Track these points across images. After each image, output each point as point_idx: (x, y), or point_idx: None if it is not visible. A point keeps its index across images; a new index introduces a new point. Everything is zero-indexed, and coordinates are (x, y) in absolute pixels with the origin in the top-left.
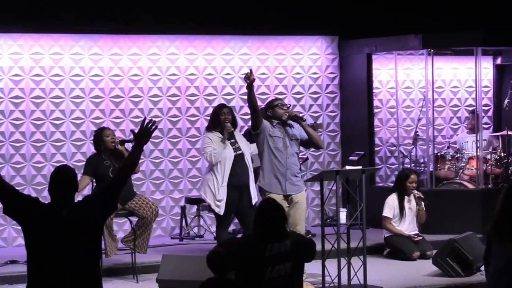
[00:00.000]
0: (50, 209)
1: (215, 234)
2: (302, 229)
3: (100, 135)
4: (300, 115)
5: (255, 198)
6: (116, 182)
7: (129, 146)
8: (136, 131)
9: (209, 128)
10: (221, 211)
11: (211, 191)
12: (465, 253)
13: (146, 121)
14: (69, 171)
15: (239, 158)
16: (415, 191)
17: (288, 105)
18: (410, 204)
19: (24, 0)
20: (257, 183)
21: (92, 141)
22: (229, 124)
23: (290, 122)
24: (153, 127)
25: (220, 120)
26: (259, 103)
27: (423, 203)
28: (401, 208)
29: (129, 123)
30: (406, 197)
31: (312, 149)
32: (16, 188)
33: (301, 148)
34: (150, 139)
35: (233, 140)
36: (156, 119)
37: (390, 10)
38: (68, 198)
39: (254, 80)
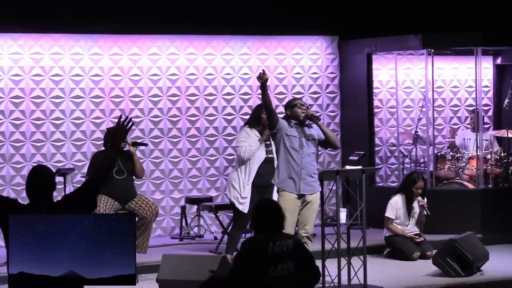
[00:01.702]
0: (30, 210)
1: (215, 234)
2: (310, 229)
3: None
4: (317, 114)
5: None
6: (94, 181)
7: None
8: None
9: (249, 123)
10: (245, 208)
11: (235, 189)
12: (465, 253)
13: (122, 118)
14: (46, 171)
15: (268, 161)
16: (420, 198)
17: (308, 105)
18: (414, 208)
19: (24, 0)
20: (272, 181)
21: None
22: None
23: (308, 122)
24: (129, 125)
25: (261, 118)
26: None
27: (424, 212)
28: (406, 210)
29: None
30: (410, 199)
31: (329, 149)
32: None
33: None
34: (150, 139)
35: (268, 143)
36: (156, 119)
37: (390, 10)
38: (47, 198)
39: (267, 79)
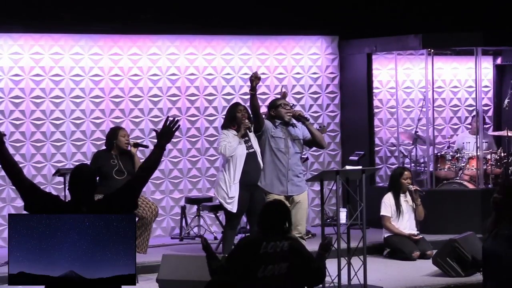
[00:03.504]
0: (70, 207)
1: (215, 234)
2: (303, 229)
3: (115, 133)
4: (304, 114)
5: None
6: (136, 181)
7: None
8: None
9: (224, 126)
10: (233, 208)
11: (222, 189)
12: (465, 253)
13: (169, 120)
14: (87, 170)
15: (251, 156)
16: (411, 186)
17: (291, 105)
18: (407, 201)
19: (24, 0)
20: (258, 183)
21: (92, 141)
22: (247, 120)
23: (294, 121)
24: (176, 127)
25: (236, 117)
26: (260, 103)
27: (419, 198)
28: (398, 206)
29: (129, 123)
30: (402, 194)
31: (313, 149)
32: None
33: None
34: (150, 139)
35: (246, 138)
36: (156, 119)
37: (390, 10)
38: (88, 196)
39: (259, 80)
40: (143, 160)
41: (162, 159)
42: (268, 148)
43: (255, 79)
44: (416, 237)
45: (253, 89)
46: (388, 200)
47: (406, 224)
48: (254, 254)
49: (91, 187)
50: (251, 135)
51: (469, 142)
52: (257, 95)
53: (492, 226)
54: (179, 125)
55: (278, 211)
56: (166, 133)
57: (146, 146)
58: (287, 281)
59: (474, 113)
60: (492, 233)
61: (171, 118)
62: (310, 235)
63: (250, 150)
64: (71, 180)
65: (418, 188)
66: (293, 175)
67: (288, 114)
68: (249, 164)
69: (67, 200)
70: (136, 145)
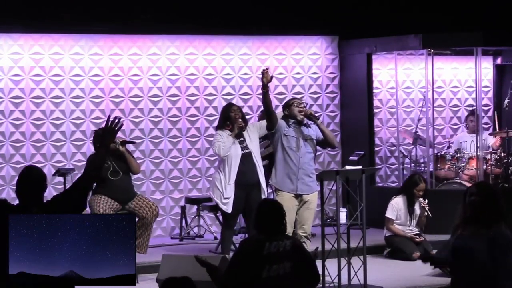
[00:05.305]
0: (20, 209)
1: (215, 234)
2: (308, 229)
3: (99, 137)
4: (316, 114)
5: (265, 196)
6: (83, 181)
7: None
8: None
9: (219, 127)
10: (228, 209)
11: (218, 189)
12: None
13: (110, 120)
14: (37, 172)
15: (246, 157)
16: (421, 200)
17: (305, 104)
18: (415, 210)
19: (24, 0)
20: (269, 181)
21: (92, 141)
22: (240, 120)
23: (306, 121)
24: (118, 126)
25: (230, 117)
26: (260, 103)
27: (426, 213)
28: (406, 212)
29: (129, 123)
30: (411, 201)
31: (328, 149)
32: None
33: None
34: (150, 139)
35: (241, 139)
36: (156, 119)
37: (390, 10)
38: (37, 198)
39: (272, 78)
40: (142, 159)
41: (162, 159)
42: (280, 147)
43: (266, 75)
44: (419, 239)
45: (264, 87)
46: (396, 204)
47: (411, 228)
48: (257, 256)
49: (40, 188)
50: (247, 136)
51: (466, 141)
52: (257, 95)
53: (462, 226)
54: (122, 124)
55: (276, 210)
56: (109, 132)
57: (133, 142)
58: (292, 281)
59: (471, 109)
60: (464, 232)
61: (112, 118)
62: (310, 235)
63: (246, 151)
64: (20, 182)
65: (428, 208)
66: (304, 174)
67: (301, 112)
68: (245, 165)
69: (15, 204)
70: (124, 143)
